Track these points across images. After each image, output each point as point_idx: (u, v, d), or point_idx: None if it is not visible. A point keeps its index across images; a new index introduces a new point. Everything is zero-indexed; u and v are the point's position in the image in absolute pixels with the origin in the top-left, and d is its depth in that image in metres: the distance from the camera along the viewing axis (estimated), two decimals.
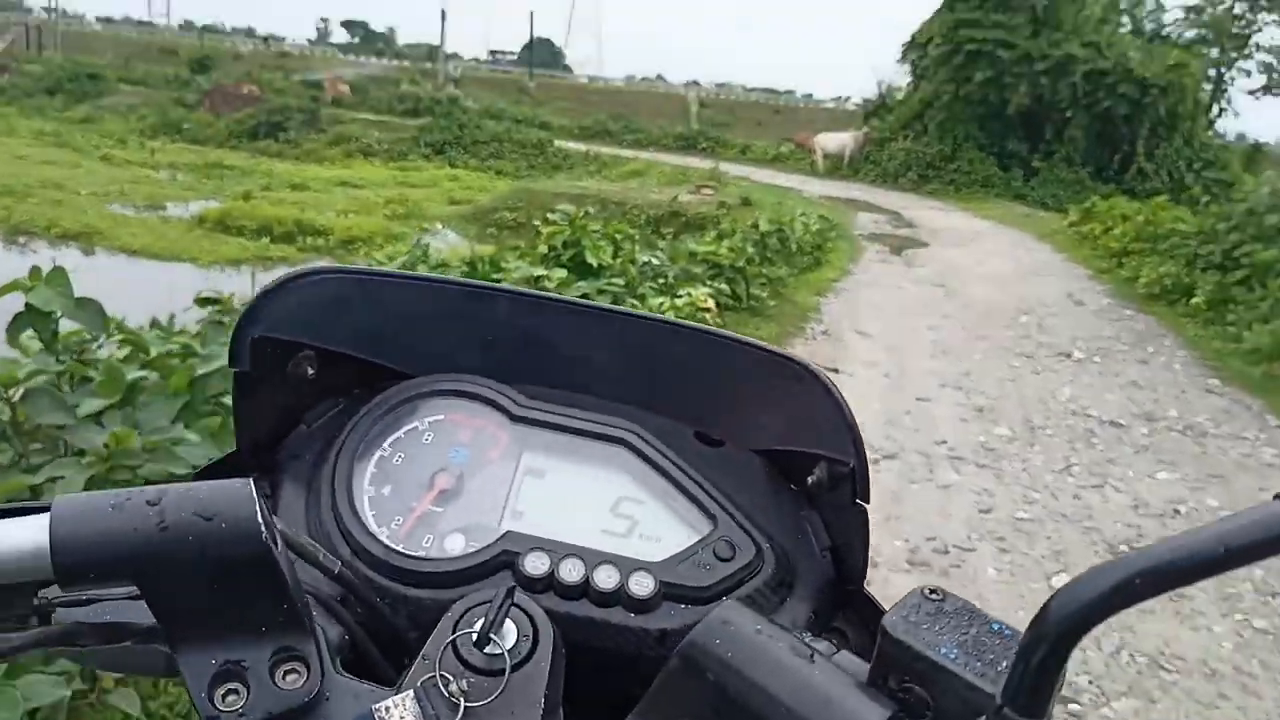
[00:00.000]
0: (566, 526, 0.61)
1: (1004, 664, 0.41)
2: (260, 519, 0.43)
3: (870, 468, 0.61)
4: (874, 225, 15.25)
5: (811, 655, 0.45)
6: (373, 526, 0.61)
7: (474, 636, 0.46)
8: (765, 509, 0.64)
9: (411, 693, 0.45)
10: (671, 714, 0.47)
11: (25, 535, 0.42)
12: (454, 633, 0.47)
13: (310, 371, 0.68)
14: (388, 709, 0.44)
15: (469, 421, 0.67)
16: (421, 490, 0.63)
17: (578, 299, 0.72)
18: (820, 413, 0.63)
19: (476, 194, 17.68)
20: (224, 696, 0.44)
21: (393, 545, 0.60)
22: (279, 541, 0.45)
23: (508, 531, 0.61)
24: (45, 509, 0.43)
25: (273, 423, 0.69)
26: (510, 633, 0.48)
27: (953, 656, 0.42)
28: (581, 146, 26.35)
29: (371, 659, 0.56)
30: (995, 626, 0.43)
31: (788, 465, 0.67)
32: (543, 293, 0.72)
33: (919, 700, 0.42)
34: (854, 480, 0.61)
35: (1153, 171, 22.07)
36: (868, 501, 0.61)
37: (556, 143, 26.15)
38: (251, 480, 0.45)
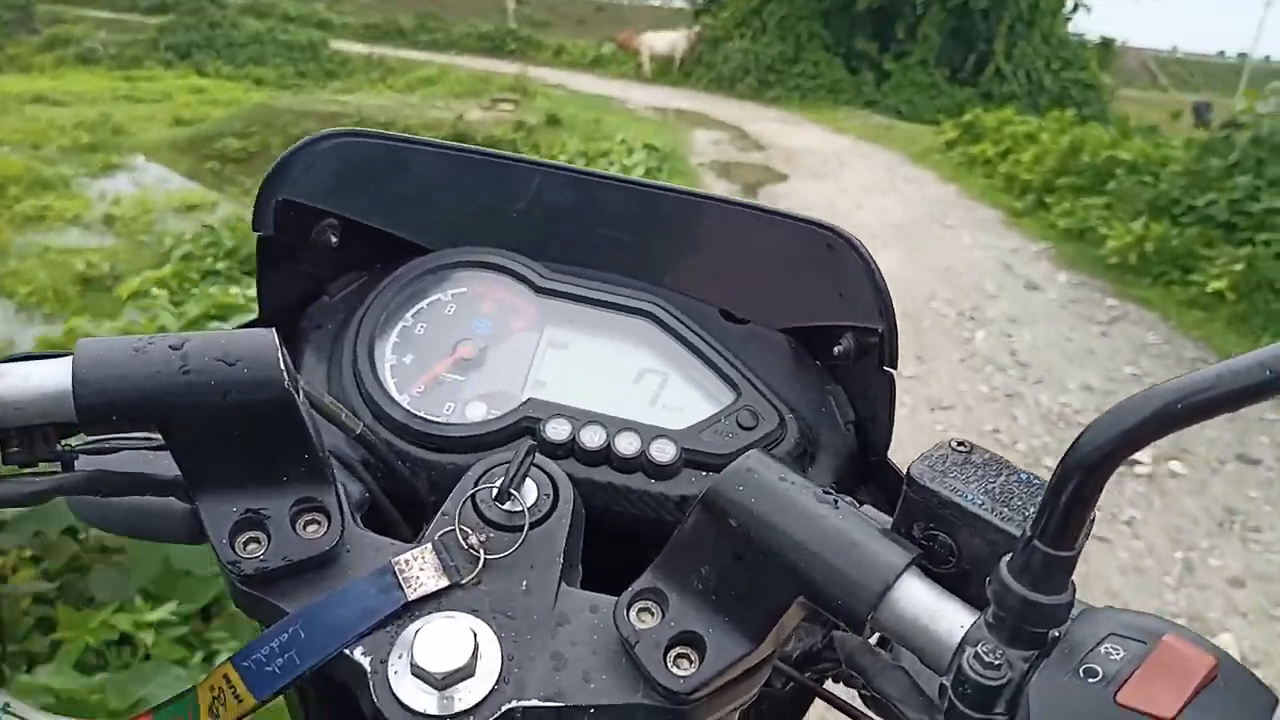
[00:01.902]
0: (589, 396, 0.63)
1: (1031, 510, 0.41)
2: (283, 365, 0.44)
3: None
4: (715, 149, 12.14)
5: (835, 503, 0.44)
6: (394, 393, 0.62)
7: (494, 492, 0.48)
8: (789, 383, 0.66)
9: (430, 545, 0.46)
10: (693, 562, 0.45)
11: (48, 375, 0.43)
12: (474, 488, 0.48)
13: (334, 240, 0.68)
14: (407, 561, 0.45)
15: (492, 293, 0.68)
16: (442, 358, 0.64)
17: (606, 172, 0.72)
18: (850, 280, 0.64)
19: (219, 111, 13.57)
20: (245, 544, 0.44)
21: (415, 410, 0.61)
22: (300, 390, 0.46)
23: (530, 399, 0.62)
24: (63, 355, 0.43)
25: (295, 292, 0.69)
26: (530, 491, 0.49)
27: (979, 503, 0.41)
28: (366, 49, 22.14)
29: (390, 520, 0.57)
30: (1023, 476, 0.43)
31: (812, 341, 0.69)
32: (571, 165, 0.70)
33: (943, 547, 0.42)
34: (883, 346, 0.62)
35: (1010, 73, 19.87)
36: (895, 367, 0.62)
37: (334, 44, 21.87)
38: (274, 329, 0.45)
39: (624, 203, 0.69)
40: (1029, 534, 0.37)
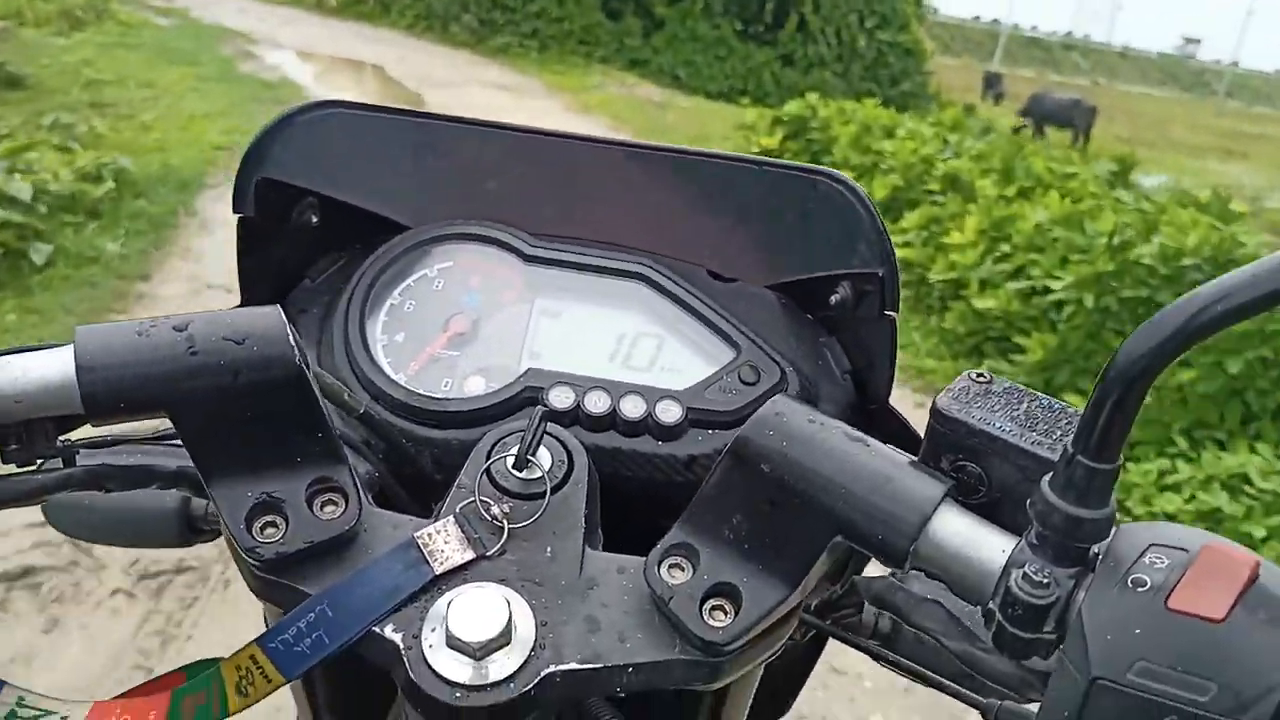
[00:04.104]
0: (587, 362, 0.62)
1: (1058, 434, 0.42)
2: (292, 341, 0.43)
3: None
4: None
5: (865, 441, 0.44)
6: (390, 372, 0.61)
7: (511, 460, 0.48)
8: (784, 337, 0.65)
9: (452, 518, 0.46)
10: (724, 513, 0.45)
11: (49, 366, 0.41)
12: (488, 460, 0.48)
13: (314, 220, 0.66)
14: (430, 535, 0.45)
15: (480, 265, 0.66)
16: (436, 335, 0.63)
17: (584, 134, 0.69)
18: (846, 226, 0.63)
19: None
20: (262, 529, 0.43)
21: (413, 389, 0.60)
22: (310, 365, 0.45)
23: (529, 369, 0.61)
24: (61, 345, 0.42)
25: (276, 276, 0.67)
26: (545, 458, 0.49)
27: (1007, 430, 0.42)
28: None
29: (399, 499, 0.56)
30: (1044, 401, 0.44)
31: (803, 295, 0.67)
32: (550, 130, 0.68)
33: (972, 476, 0.42)
34: (883, 291, 0.61)
35: (819, 30, 15.04)
36: (896, 311, 0.62)
37: None
38: (279, 305, 0.45)
39: (605, 164, 0.68)
40: (1071, 450, 0.36)
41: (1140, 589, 0.35)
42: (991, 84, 25.58)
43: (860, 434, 0.44)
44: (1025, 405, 0.43)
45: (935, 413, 0.43)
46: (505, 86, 10.56)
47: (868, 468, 0.42)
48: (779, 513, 0.43)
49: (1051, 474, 0.37)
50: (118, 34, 9.98)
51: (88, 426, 0.43)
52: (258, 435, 0.43)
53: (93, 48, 8.85)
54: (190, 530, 0.61)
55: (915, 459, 0.44)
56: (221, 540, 0.49)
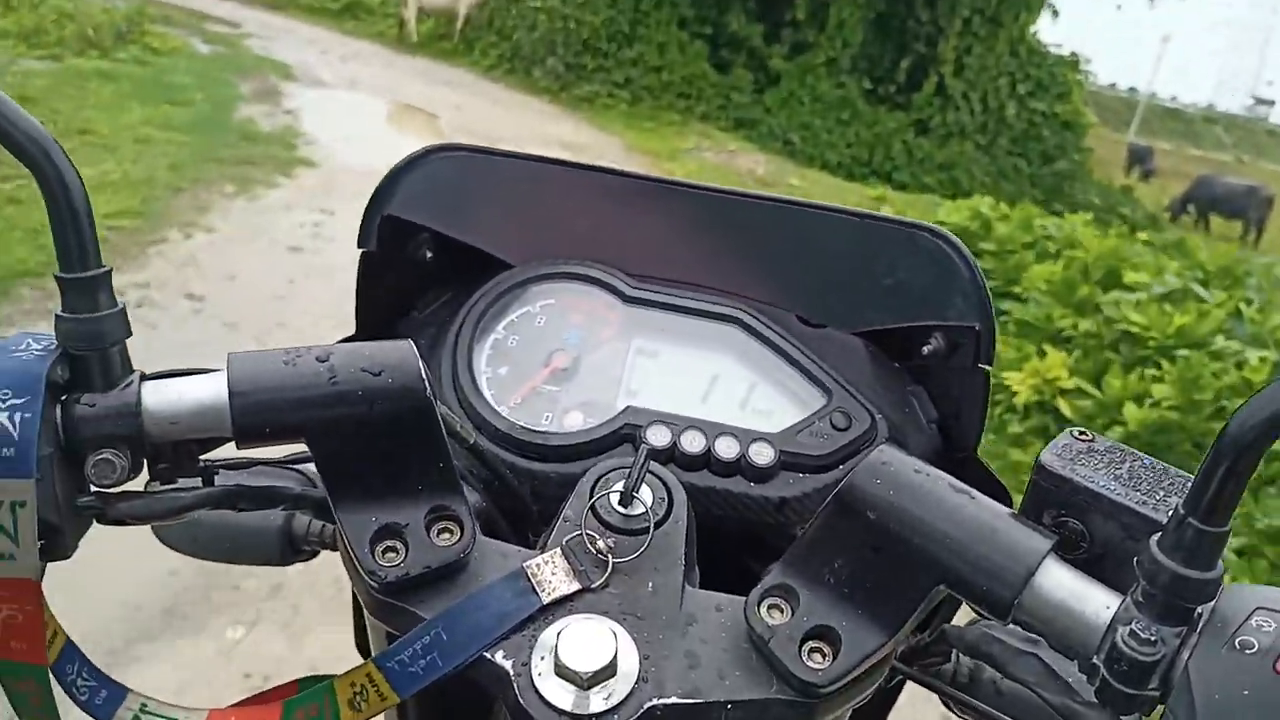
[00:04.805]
0: (681, 402, 0.63)
1: (1161, 494, 0.43)
2: (423, 375, 0.45)
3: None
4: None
5: (969, 493, 0.45)
6: (494, 404, 0.62)
7: (616, 497, 0.49)
8: (872, 384, 0.65)
9: (559, 550, 0.47)
10: (826, 557, 0.46)
11: (203, 390, 0.43)
12: (593, 496, 0.49)
13: (428, 255, 0.69)
14: (539, 565, 0.46)
15: (581, 304, 0.68)
16: (538, 369, 0.65)
17: (683, 179, 0.72)
18: (944, 278, 0.65)
19: None
20: (383, 553, 0.45)
21: (516, 421, 0.61)
22: (438, 399, 0.47)
23: (628, 406, 0.62)
24: (212, 371, 0.45)
25: (387, 307, 0.70)
26: (646, 495, 0.49)
27: (1111, 489, 0.42)
28: None
29: (499, 528, 0.58)
30: (1146, 461, 0.44)
31: (890, 342, 0.68)
32: (650, 174, 0.72)
33: (1074, 533, 0.43)
34: (978, 343, 0.63)
35: (961, 94, 12.76)
36: (990, 364, 0.63)
37: None
38: (410, 341, 0.47)
39: (703, 210, 0.70)
40: (1182, 512, 0.37)
41: (1248, 651, 0.36)
42: (1139, 158, 22.69)
43: (964, 485, 0.45)
44: (1128, 464, 0.44)
45: (1040, 468, 0.44)
46: (572, 145, 8.64)
47: (974, 519, 0.43)
48: (882, 559, 0.44)
49: (1160, 534, 0.38)
50: (130, 58, 8.44)
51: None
52: (385, 463, 0.45)
53: (68, 75, 7.24)
54: (292, 549, 0.62)
55: (1015, 512, 0.44)
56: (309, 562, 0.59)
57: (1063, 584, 0.41)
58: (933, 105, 12.67)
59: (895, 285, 0.66)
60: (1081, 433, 0.46)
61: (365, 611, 0.48)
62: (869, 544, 0.44)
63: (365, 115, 8.49)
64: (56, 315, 0.42)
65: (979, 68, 12.69)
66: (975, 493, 0.44)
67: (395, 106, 9.17)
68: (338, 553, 0.50)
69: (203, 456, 0.46)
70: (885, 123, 12.35)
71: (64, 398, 0.42)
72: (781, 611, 0.45)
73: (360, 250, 0.66)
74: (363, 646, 0.72)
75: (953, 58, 12.44)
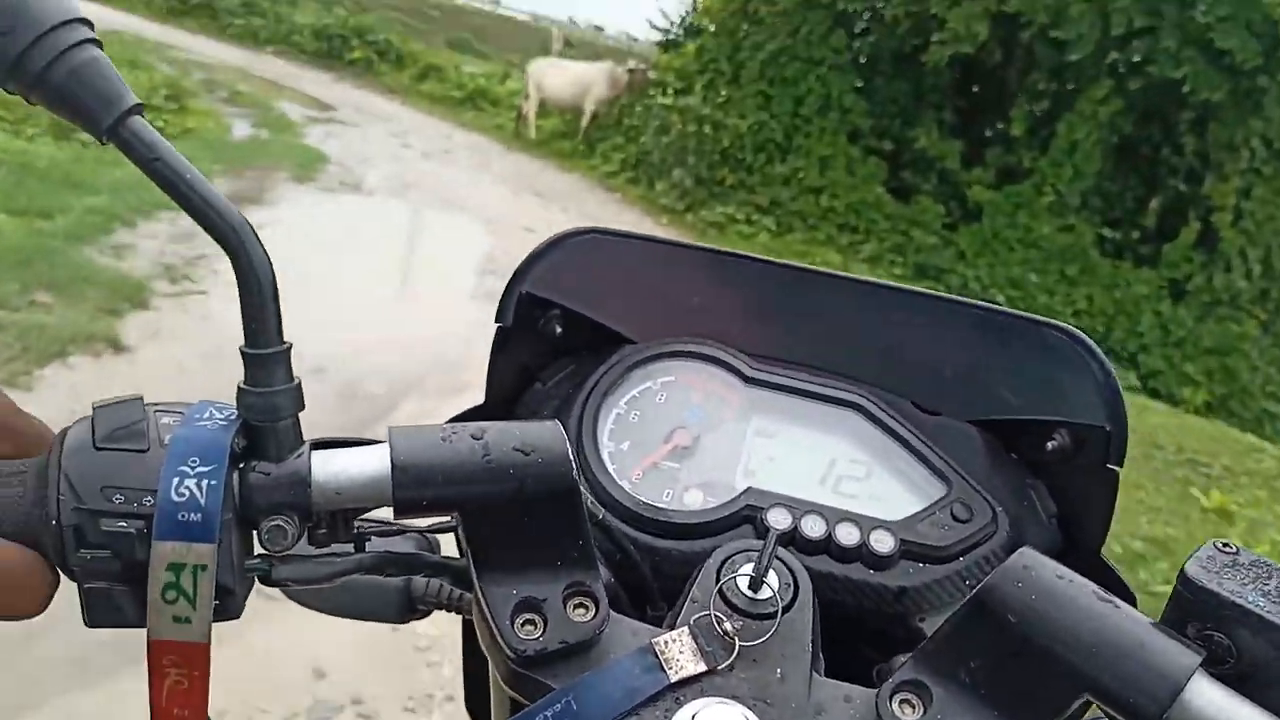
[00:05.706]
0: (800, 485, 0.63)
1: None
2: (571, 456, 0.46)
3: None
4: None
5: (1114, 602, 0.44)
6: (617, 479, 0.63)
7: (745, 580, 0.49)
8: (989, 475, 0.64)
9: (687, 629, 0.47)
10: (962, 656, 0.46)
11: (368, 462, 0.45)
12: (719, 578, 0.49)
13: (558, 330, 0.71)
14: (666, 643, 0.47)
15: (702, 383, 0.68)
16: (658, 445, 0.65)
17: (808, 265, 0.72)
18: (1071, 375, 0.65)
19: None
20: (522, 625, 0.46)
21: (639, 497, 0.62)
22: (583, 479, 0.49)
23: (749, 488, 0.62)
24: (372, 441, 0.47)
25: (514, 379, 0.72)
26: (773, 579, 0.49)
27: (1260, 605, 0.42)
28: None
29: (621, 603, 0.57)
30: None
31: (1006, 434, 0.67)
32: (775, 259, 0.72)
33: (1219, 647, 0.42)
34: (1109, 445, 0.62)
35: (1238, 250, 9.31)
36: (1121, 465, 0.62)
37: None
38: (559, 422, 0.48)
39: (825, 294, 0.71)
40: None
41: None
42: None
43: (1107, 594, 0.44)
44: (1275, 580, 0.43)
45: (1185, 581, 0.43)
46: None
47: (1119, 630, 0.42)
48: (1022, 665, 0.44)
49: None
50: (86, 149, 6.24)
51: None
52: (529, 538, 0.47)
53: None
54: (409, 608, 0.63)
55: (1159, 623, 0.44)
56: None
57: (1213, 701, 0.40)
58: (1192, 262, 9.27)
59: (1018, 378, 0.67)
60: (1225, 544, 0.45)
61: (495, 680, 0.49)
62: (1008, 649, 0.44)
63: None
64: (239, 387, 0.44)
65: (1263, 217, 9.24)
66: (1119, 601, 0.44)
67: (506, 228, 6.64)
68: (452, 613, 0.57)
69: (357, 521, 0.48)
70: (1128, 282, 9.03)
71: (240, 466, 0.44)
72: (914, 708, 0.45)
73: (496, 325, 0.69)
74: (478, 711, 0.72)
75: (1230, 201, 9.05)
